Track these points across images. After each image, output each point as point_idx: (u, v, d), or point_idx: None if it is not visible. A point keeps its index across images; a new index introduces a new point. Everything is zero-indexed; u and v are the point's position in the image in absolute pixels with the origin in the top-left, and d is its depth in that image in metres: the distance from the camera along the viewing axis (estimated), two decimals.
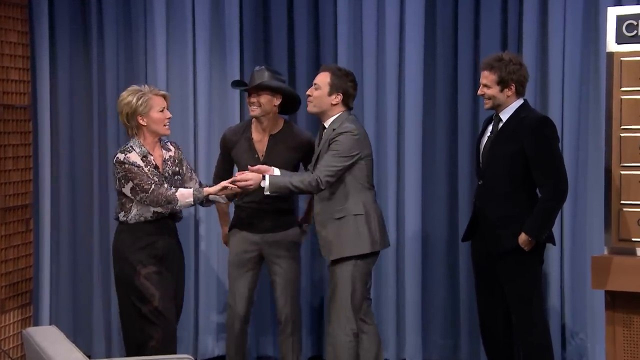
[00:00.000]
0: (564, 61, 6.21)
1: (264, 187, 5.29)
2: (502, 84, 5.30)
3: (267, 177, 5.28)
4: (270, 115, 5.71)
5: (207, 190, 5.42)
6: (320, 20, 6.58)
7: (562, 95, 6.23)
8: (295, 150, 5.75)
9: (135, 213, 5.43)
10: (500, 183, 5.33)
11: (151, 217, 5.45)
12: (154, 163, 5.45)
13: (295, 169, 5.73)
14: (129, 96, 5.44)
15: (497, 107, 5.37)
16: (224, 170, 5.87)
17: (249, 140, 5.75)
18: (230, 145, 5.80)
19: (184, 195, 5.36)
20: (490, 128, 5.45)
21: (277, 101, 5.71)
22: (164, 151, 5.53)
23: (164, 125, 5.45)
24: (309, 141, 5.78)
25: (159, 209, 5.42)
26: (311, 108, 5.47)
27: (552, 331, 6.06)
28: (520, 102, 5.38)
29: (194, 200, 5.38)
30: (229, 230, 5.92)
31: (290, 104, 5.81)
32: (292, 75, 6.62)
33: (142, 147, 5.44)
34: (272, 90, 5.65)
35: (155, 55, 6.66)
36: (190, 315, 6.68)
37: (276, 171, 5.42)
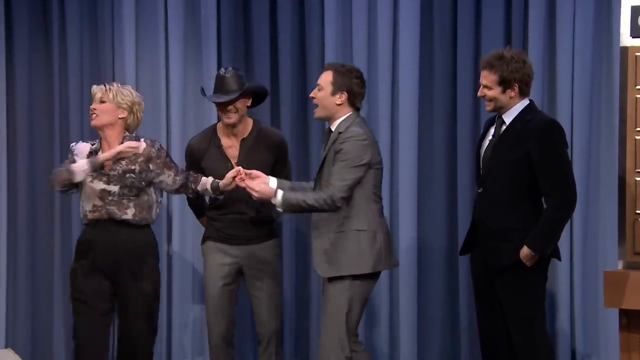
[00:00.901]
0: (574, 57, 6.05)
1: (275, 204, 5.16)
2: (504, 84, 5.11)
3: (279, 193, 5.12)
4: (243, 119, 5.64)
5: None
6: (305, 15, 6.46)
7: (572, 94, 6.06)
8: (270, 152, 5.64)
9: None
10: (502, 191, 5.13)
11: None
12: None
13: (272, 171, 5.54)
14: None
15: (500, 109, 5.18)
16: None
17: (219, 148, 5.63)
18: (199, 155, 5.67)
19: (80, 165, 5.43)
20: (492, 131, 5.25)
21: (249, 102, 5.62)
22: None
23: (90, 116, 5.47)
24: (281, 141, 5.73)
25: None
26: (318, 112, 5.28)
27: (561, 353, 6.02)
28: (525, 102, 5.18)
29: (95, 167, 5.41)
30: (203, 243, 5.75)
31: (257, 99, 5.73)
32: (275, 76, 6.52)
33: (97, 144, 5.51)
34: (244, 93, 5.57)
35: (124, 52, 6.56)
36: (162, 331, 6.47)
37: (272, 180, 5.27)
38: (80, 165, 5.37)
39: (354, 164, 5.09)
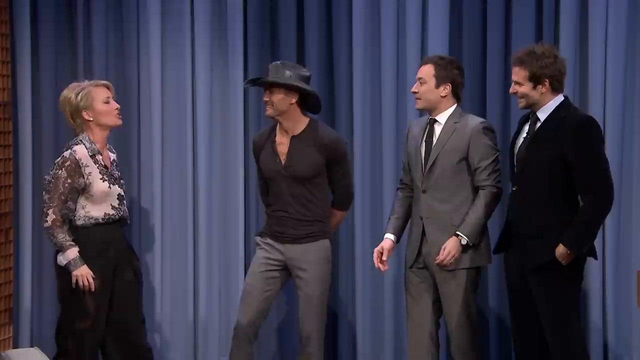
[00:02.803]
0: (606, 52, 5.98)
1: (465, 243, 5.32)
2: (535, 80, 5.07)
3: (459, 233, 5.30)
4: (287, 115, 5.52)
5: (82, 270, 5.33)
6: (333, 14, 6.38)
7: (604, 90, 6.00)
8: (319, 151, 5.53)
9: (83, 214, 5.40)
10: (537, 189, 5.08)
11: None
12: (102, 162, 5.39)
13: (321, 172, 5.53)
14: (68, 94, 5.39)
15: (533, 106, 5.14)
16: (264, 180, 5.71)
17: (273, 144, 5.59)
18: (258, 149, 5.68)
19: (67, 255, 5.30)
20: (526, 128, 5.20)
21: (292, 100, 5.49)
22: (110, 153, 5.51)
23: (115, 116, 5.42)
24: (334, 141, 5.57)
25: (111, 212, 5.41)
26: (419, 104, 5.45)
27: (593, 354, 5.92)
28: (560, 99, 5.12)
29: (68, 267, 5.30)
30: (258, 236, 5.73)
31: (313, 101, 5.63)
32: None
33: (93, 144, 5.38)
34: (285, 88, 5.46)
35: (149, 48, 6.44)
36: (188, 331, 6.47)
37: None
38: (62, 260, 5.32)
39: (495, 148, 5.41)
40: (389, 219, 5.57)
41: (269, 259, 5.59)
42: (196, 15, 6.41)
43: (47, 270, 6.53)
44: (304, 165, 5.47)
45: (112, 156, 5.49)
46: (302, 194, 5.48)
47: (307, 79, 5.52)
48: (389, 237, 5.49)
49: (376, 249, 5.48)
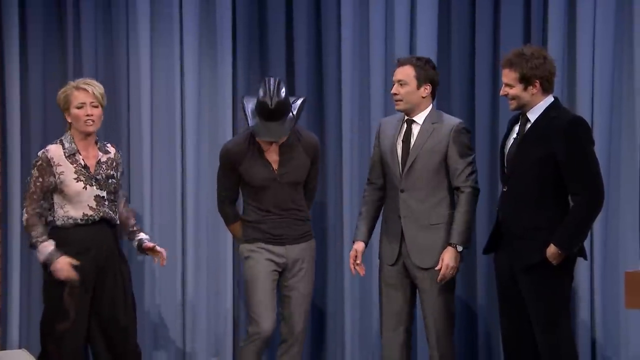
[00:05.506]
0: (594, 52, 5.99)
1: (461, 251, 5.40)
2: (525, 81, 5.07)
3: (452, 244, 5.35)
4: None
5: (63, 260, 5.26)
6: (322, 15, 6.38)
7: (592, 90, 6.01)
8: (306, 153, 5.62)
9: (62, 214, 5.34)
10: (527, 190, 5.09)
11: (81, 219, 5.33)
12: (82, 162, 5.33)
13: (307, 174, 5.62)
14: (59, 92, 5.44)
15: (524, 107, 5.14)
16: (234, 191, 5.66)
17: (259, 152, 5.55)
18: (237, 159, 5.57)
19: (42, 251, 5.29)
20: (516, 129, 5.20)
21: None
22: (100, 153, 5.44)
23: (85, 122, 5.31)
24: (317, 142, 5.72)
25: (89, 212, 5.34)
26: (401, 106, 5.43)
27: (581, 354, 5.92)
28: (549, 100, 5.14)
29: (44, 261, 5.29)
30: (248, 242, 5.64)
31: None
32: (291, 74, 6.40)
33: (73, 144, 5.35)
34: None
35: (138, 50, 6.44)
36: (176, 332, 6.47)
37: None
38: (40, 257, 5.30)
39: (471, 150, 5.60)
40: (360, 221, 5.57)
41: (273, 262, 5.58)
42: (185, 15, 6.39)
43: (36, 272, 6.46)
44: (299, 169, 5.54)
45: (106, 155, 5.42)
46: (295, 195, 5.54)
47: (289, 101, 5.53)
48: (362, 241, 5.54)
49: (351, 254, 5.52)
